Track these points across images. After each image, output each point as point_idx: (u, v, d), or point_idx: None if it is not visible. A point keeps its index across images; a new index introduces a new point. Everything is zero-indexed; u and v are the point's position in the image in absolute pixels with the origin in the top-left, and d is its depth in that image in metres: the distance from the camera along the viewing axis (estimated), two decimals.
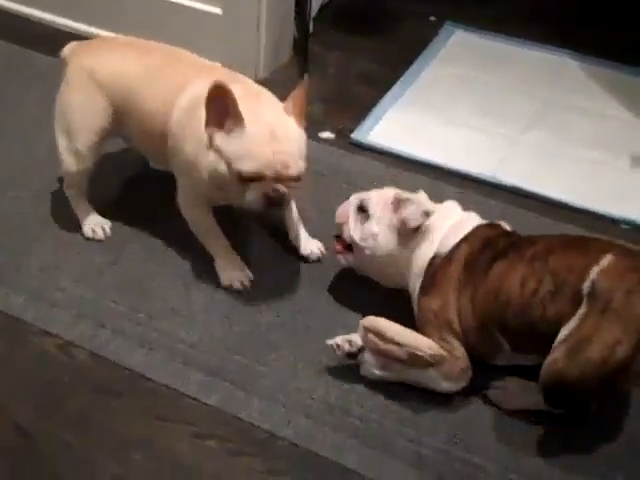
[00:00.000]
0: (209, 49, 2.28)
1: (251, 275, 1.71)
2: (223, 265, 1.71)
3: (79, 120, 1.71)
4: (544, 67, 2.44)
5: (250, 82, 1.68)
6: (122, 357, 1.56)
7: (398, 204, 1.56)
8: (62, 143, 1.74)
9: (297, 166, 1.54)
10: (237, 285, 1.69)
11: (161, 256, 1.76)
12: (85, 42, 1.81)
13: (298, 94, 1.59)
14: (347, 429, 1.46)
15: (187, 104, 1.61)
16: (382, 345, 1.48)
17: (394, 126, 2.18)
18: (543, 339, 1.40)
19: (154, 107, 1.65)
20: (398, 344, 1.47)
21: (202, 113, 1.54)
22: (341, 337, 1.53)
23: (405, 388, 1.52)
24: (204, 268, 1.73)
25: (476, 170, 2.04)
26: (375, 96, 2.26)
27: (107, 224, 1.81)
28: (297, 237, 1.78)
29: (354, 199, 1.62)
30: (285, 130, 1.54)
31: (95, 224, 1.80)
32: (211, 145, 1.54)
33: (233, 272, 1.70)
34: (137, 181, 1.95)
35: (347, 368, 1.55)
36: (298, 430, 1.45)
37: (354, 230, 1.59)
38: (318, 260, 1.76)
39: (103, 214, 1.83)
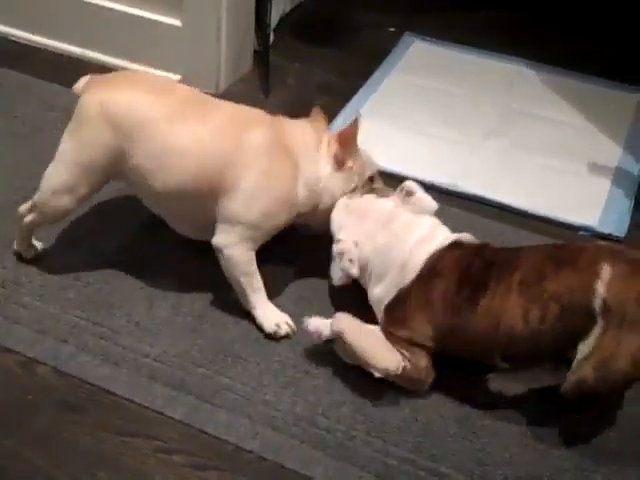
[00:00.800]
0: (169, 61, 2.29)
1: (288, 318, 1.65)
2: (265, 311, 1.65)
3: (88, 158, 1.62)
4: (501, 76, 2.48)
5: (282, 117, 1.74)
6: (86, 372, 1.54)
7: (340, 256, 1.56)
8: (61, 178, 1.63)
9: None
10: (286, 329, 1.63)
11: (124, 270, 1.75)
12: (101, 76, 1.70)
13: (317, 119, 1.78)
14: (314, 441, 1.46)
15: (262, 139, 1.61)
16: (347, 347, 1.51)
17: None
18: (547, 355, 1.46)
19: (191, 148, 1.59)
20: (361, 353, 1.50)
21: (292, 143, 1.65)
22: (313, 324, 1.55)
23: (372, 398, 1.53)
24: (167, 281, 1.73)
25: (438, 179, 2.06)
26: (336, 106, 2.27)
27: (39, 245, 1.77)
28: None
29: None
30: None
31: (28, 248, 1.75)
32: (339, 167, 1.69)
33: (278, 317, 1.64)
34: (97, 196, 1.92)
35: (313, 379, 1.55)
36: (264, 443, 1.45)
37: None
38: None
39: (64, 229, 1.82)
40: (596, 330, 1.38)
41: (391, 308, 1.53)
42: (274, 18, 2.54)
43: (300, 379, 1.56)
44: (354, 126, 1.67)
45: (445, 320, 1.48)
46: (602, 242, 1.51)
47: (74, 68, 2.29)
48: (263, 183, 1.60)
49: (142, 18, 2.32)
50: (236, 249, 1.62)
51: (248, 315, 1.66)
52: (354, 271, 1.54)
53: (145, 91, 1.63)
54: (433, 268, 1.50)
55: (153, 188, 1.62)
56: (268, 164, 1.61)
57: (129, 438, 1.45)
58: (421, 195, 1.60)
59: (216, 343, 1.62)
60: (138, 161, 1.60)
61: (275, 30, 2.53)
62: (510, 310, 1.43)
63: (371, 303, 1.59)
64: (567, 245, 1.55)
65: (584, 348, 1.39)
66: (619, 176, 2.11)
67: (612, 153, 2.19)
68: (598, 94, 2.42)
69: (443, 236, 1.56)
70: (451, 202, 1.98)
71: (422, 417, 1.50)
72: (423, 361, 1.50)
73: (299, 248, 1.80)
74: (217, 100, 1.70)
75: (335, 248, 1.57)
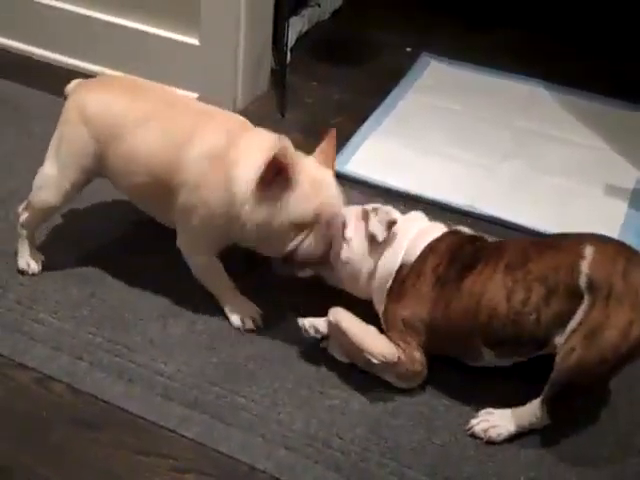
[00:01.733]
0: (186, 80, 2.30)
1: (260, 311, 1.70)
2: (232, 307, 1.70)
3: (67, 154, 1.70)
4: (517, 96, 2.48)
5: (262, 130, 1.66)
6: (100, 390, 1.55)
7: (366, 216, 1.60)
8: (49, 172, 1.71)
9: (340, 206, 1.60)
10: (250, 324, 1.68)
11: (139, 288, 1.75)
12: (89, 79, 1.80)
13: (327, 145, 1.65)
14: (327, 461, 1.45)
15: (206, 154, 1.58)
16: (343, 340, 1.53)
17: (372, 156, 2.19)
18: (533, 342, 1.45)
19: (150, 152, 1.63)
20: (357, 343, 1.52)
21: (233, 168, 1.56)
22: (309, 320, 1.58)
23: (386, 419, 1.52)
24: (182, 299, 1.73)
25: (454, 200, 2.05)
26: (353, 126, 2.28)
27: (40, 259, 1.78)
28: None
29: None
30: (328, 179, 1.60)
31: (29, 258, 1.77)
32: (261, 199, 1.54)
33: (244, 312, 1.69)
34: (114, 212, 1.94)
35: (326, 400, 1.55)
36: (278, 463, 1.45)
37: (344, 251, 1.61)
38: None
39: (79, 245, 1.84)
40: (583, 306, 1.40)
41: (393, 285, 1.57)
42: (292, 38, 2.55)
43: (315, 399, 1.55)
44: (282, 150, 1.51)
45: (433, 294, 1.52)
46: (589, 233, 1.52)
47: None
48: (195, 203, 1.60)
49: (160, 37, 2.34)
50: (191, 254, 1.68)
51: (264, 333, 1.67)
52: (382, 232, 1.56)
53: (121, 93, 1.70)
54: (430, 247, 1.57)
55: (124, 187, 1.71)
56: (200, 185, 1.58)
57: (143, 457, 1.45)
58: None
59: (230, 362, 1.61)
60: (111, 160, 1.67)
61: (292, 50, 2.55)
62: (493, 289, 1.47)
63: (375, 284, 1.60)
64: (551, 236, 1.61)
65: (572, 324, 1.41)
66: (636, 198, 2.10)
67: (629, 175, 2.19)
68: (614, 115, 2.41)
69: (440, 229, 1.63)
70: (467, 223, 1.97)
71: (437, 439, 1.50)
72: (417, 354, 1.53)
73: None
74: (190, 102, 1.76)
75: (368, 207, 1.60)
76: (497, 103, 2.44)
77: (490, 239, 1.65)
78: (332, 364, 1.60)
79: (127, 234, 1.88)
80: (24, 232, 1.77)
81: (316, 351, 1.62)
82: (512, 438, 1.49)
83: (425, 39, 2.71)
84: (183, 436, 1.48)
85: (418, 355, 1.53)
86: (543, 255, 1.47)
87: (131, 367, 1.59)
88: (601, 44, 2.73)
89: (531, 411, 1.47)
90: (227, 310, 1.70)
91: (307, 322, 1.59)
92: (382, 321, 1.59)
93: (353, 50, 2.67)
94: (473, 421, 1.50)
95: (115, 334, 1.65)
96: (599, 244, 1.45)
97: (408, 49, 2.68)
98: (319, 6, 2.79)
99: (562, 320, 1.42)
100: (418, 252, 1.57)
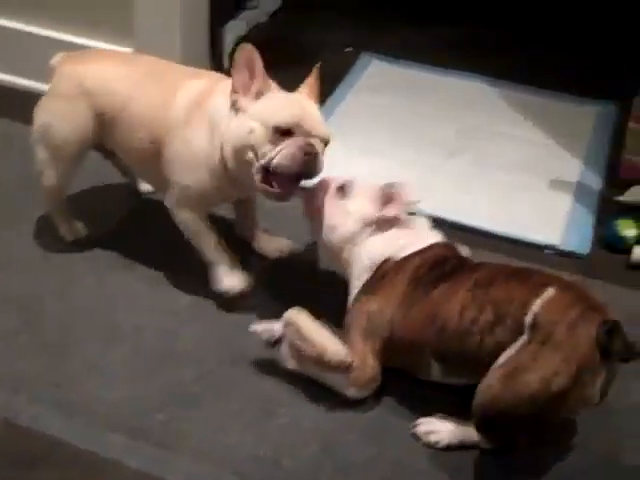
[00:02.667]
0: None
1: (251, 280, 1.70)
2: (219, 271, 1.68)
3: (64, 129, 1.69)
4: (460, 94, 2.46)
5: None
6: (39, 424, 1.48)
7: (388, 196, 1.56)
8: (43, 156, 1.72)
9: (325, 127, 1.58)
10: (235, 291, 1.68)
11: (78, 310, 1.70)
12: (75, 52, 1.80)
13: (311, 80, 1.64)
14: None
15: (187, 102, 1.62)
16: (297, 340, 1.50)
17: None
18: (477, 366, 1.40)
19: (147, 111, 1.64)
20: (310, 343, 1.48)
21: (209, 103, 1.59)
22: (264, 325, 1.56)
23: (338, 436, 1.48)
24: (123, 319, 1.68)
25: None
26: None
27: (83, 229, 1.86)
28: (254, 234, 1.84)
29: (338, 178, 1.63)
30: (310, 102, 1.61)
31: (71, 230, 1.84)
32: (236, 111, 1.55)
33: (232, 277, 1.68)
34: (44, 233, 1.88)
35: (276, 419, 1.51)
36: None
37: (328, 205, 1.60)
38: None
39: (9, 268, 1.79)
40: (519, 341, 1.35)
41: (372, 277, 1.54)
42: (229, 42, 2.50)
43: (262, 420, 1.51)
44: (246, 52, 1.55)
45: (404, 292, 1.49)
46: (568, 279, 1.48)
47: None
48: (180, 148, 1.62)
49: (94, 48, 2.27)
50: (179, 211, 1.67)
51: (209, 354, 1.62)
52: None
53: (115, 64, 1.72)
54: (419, 251, 1.54)
55: (125, 153, 1.73)
56: (184, 128, 1.61)
57: None
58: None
59: (175, 385, 1.56)
60: (112, 129, 1.68)
61: (231, 55, 2.49)
62: (452, 301, 1.44)
63: (356, 266, 1.57)
64: (532, 270, 1.53)
65: (502, 358, 1.36)
66: (580, 191, 2.10)
67: (573, 168, 2.18)
68: (557, 109, 2.41)
69: (439, 238, 1.60)
70: None
71: (390, 454, 1.46)
72: (370, 359, 1.50)
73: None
74: (172, 66, 1.76)
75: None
76: (440, 101, 2.42)
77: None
78: (280, 381, 1.56)
79: (57, 255, 1.83)
80: (53, 212, 1.83)
81: (263, 369, 1.58)
82: (463, 448, 1.46)
83: (365, 38, 2.68)
84: (128, 467, 1.43)
85: (371, 360, 1.50)
86: (508, 283, 1.42)
87: (71, 397, 1.53)
88: (542, 38, 2.72)
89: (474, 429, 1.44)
90: (213, 272, 1.68)
91: (261, 326, 1.56)
92: (347, 311, 1.55)
93: (293, 52, 2.62)
94: (418, 420, 1.48)
95: (53, 362, 1.59)
96: (563, 289, 1.39)
97: (348, 49, 2.65)
98: (257, 8, 2.74)
99: (501, 351, 1.37)
100: (408, 252, 1.54)
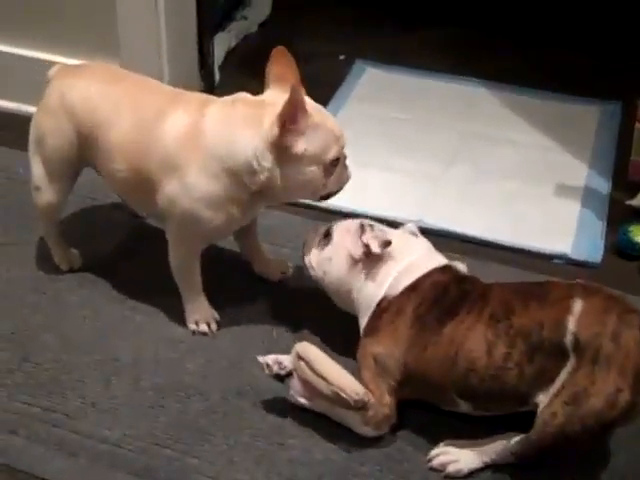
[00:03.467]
0: None
1: (218, 317, 1.67)
2: (193, 307, 1.66)
3: (52, 144, 1.65)
4: (457, 98, 2.40)
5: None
6: (39, 467, 1.42)
7: (362, 230, 1.50)
8: (38, 172, 1.69)
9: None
10: (204, 328, 1.65)
11: (75, 346, 1.63)
12: (71, 66, 1.77)
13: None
14: None
15: (177, 139, 1.51)
16: (310, 376, 1.42)
17: None
18: (515, 399, 1.36)
19: (127, 140, 1.57)
20: (325, 380, 1.41)
21: (207, 142, 1.49)
22: (272, 357, 1.51)
23: (352, 468, 1.42)
24: (123, 353, 1.61)
25: (401, 215, 1.95)
26: None
27: (78, 258, 1.80)
28: (259, 257, 1.77)
29: (323, 227, 1.58)
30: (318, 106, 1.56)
31: (67, 258, 1.79)
32: (282, 151, 1.47)
33: (201, 314, 1.66)
34: (29, 259, 1.83)
35: (286, 452, 1.44)
36: None
37: (313, 255, 1.57)
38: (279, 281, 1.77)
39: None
40: (568, 366, 1.31)
41: (371, 318, 1.48)
42: (219, 55, 2.45)
43: (273, 452, 1.45)
44: (295, 96, 1.43)
45: (410, 335, 1.42)
46: (582, 283, 1.41)
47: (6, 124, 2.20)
48: (182, 194, 1.52)
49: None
50: (176, 248, 1.61)
51: (214, 385, 1.56)
52: (376, 247, 1.48)
53: (98, 80, 1.65)
54: (414, 284, 1.46)
55: (107, 179, 1.65)
56: (181, 172, 1.51)
57: None
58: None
59: (180, 419, 1.50)
60: (93, 150, 1.62)
61: (221, 67, 2.44)
62: (474, 340, 1.37)
63: (357, 308, 1.52)
64: (542, 282, 1.47)
65: (556, 384, 1.31)
66: (588, 197, 2.03)
67: (579, 172, 2.11)
68: (559, 110, 2.34)
69: (440, 259, 1.53)
70: None
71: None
72: (386, 397, 1.43)
73: None
74: (161, 86, 1.69)
75: (365, 222, 1.52)
76: (437, 107, 2.36)
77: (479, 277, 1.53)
78: (290, 412, 1.50)
79: (51, 286, 1.76)
80: (48, 236, 1.78)
81: (271, 400, 1.52)
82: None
83: (357, 45, 2.62)
84: None
85: (387, 399, 1.43)
86: (528, 307, 1.35)
87: (72, 437, 1.47)
88: (539, 37, 2.66)
89: (497, 450, 1.39)
90: (186, 308, 1.66)
91: (270, 358, 1.50)
92: (357, 354, 1.49)
93: None
94: (433, 452, 1.42)
95: (52, 401, 1.52)
96: (588, 298, 1.33)
97: (341, 57, 2.59)
98: (246, 19, 2.68)
99: (545, 378, 1.32)
100: (401, 288, 1.47)
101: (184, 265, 1.63)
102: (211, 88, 2.31)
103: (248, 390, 1.54)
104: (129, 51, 2.16)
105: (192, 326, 1.65)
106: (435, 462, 1.41)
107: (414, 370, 1.42)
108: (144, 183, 1.56)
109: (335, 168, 1.54)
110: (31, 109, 2.21)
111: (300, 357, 1.44)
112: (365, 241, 1.48)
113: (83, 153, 1.65)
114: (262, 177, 1.49)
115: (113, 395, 1.54)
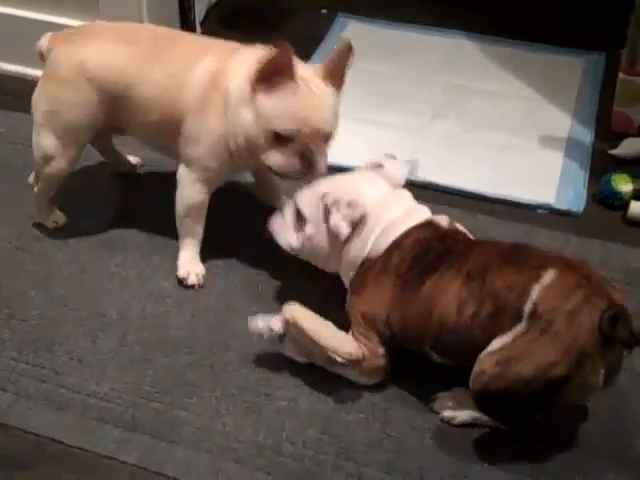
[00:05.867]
0: None
1: (204, 272, 1.68)
2: (186, 257, 1.67)
3: (73, 115, 1.63)
4: (441, 51, 2.39)
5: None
6: (28, 422, 1.43)
7: (327, 210, 1.47)
8: (51, 142, 1.65)
9: (329, 125, 1.54)
10: (193, 279, 1.66)
11: (62, 303, 1.63)
12: (65, 32, 1.71)
13: (334, 64, 1.57)
14: (280, 471, 1.36)
15: (201, 84, 1.56)
16: (301, 339, 1.43)
17: None
18: (475, 351, 1.34)
19: (156, 94, 1.59)
20: (316, 343, 1.42)
21: (224, 85, 1.54)
22: (262, 321, 1.48)
23: (338, 416, 1.44)
24: (109, 307, 1.62)
25: None
26: None
27: (62, 217, 1.81)
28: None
29: (290, 206, 1.55)
30: (319, 88, 1.53)
31: (54, 217, 1.79)
32: (251, 103, 1.51)
33: (193, 267, 1.66)
34: (15, 219, 1.82)
35: (273, 403, 1.46)
36: (228, 478, 1.36)
37: (292, 239, 1.54)
38: None
39: None
40: (515, 331, 1.29)
41: (356, 276, 1.48)
42: (200, 11, 2.41)
43: (260, 404, 1.46)
44: (281, 51, 1.47)
45: (393, 293, 1.43)
46: (569, 257, 1.41)
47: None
48: (198, 131, 1.58)
49: (59, 25, 2.18)
50: (188, 189, 1.63)
51: (200, 339, 1.56)
52: (345, 229, 1.45)
53: (115, 40, 1.63)
54: (397, 242, 1.45)
55: (136, 129, 1.68)
56: (200, 112, 1.57)
57: None
58: (390, 167, 1.56)
59: (167, 373, 1.51)
60: (122, 108, 1.62)
61: (202, 23, 2.41)
62: (446, 297, 1.37)
63: (342, 269, 1.52)
64: (526, 247, 1.43)
65: (496, 343, 1.30)
66: (571, 147, 2.04)
67: (562, 123, 2.11)
68: (542, 62, 2.33)
69: (423, 213, 1.51)
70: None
71: (393, 431, 1.42)
72: (379, 348, 1.45)
73: None
74: (179, 34, 1.74)
75: (328, 199, 1.46)
76: (421, 60, 2.35)
77: (464, 231, 1.53)
78: (275, 364, 1.51)
79: (36, 245, 1.76)
80: (40, 200, 1.76)
81: (258, 353, 1.53)
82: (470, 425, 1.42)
83: None
84: (123, 462, 1.38)
85: (381, 350, 1.45)
86: (503, 270, 1.34)
87: (60, 392, 1.48)
88: None
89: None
90: (180, 257, 1.67)
91: (260, 323, 1.48)
92: (346, 309, 1.50)
93: (266, 17, 2.53)
94: (437, 395, 1.44)
95: (40, 357, 1.53)
96: (564, 271, 1.31)
97: (323, 11, 2.56)
98: None
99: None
100: (384, 247, 1.45)
101: (191, 209, 1.64)
102: None
103: (234, 343, 1.55)
104: (108, 8, 2.13)
105: (183, 275, 1.65)
106: (435, 404, 1.44)
107: (398, 325, 1.43)
108: (172, 126, 1.59)
109: (283, 147, 1.51)
110: (7, 67, 2.24)
111: (289, 322, 1.44)
112: (333, 224, 1.45)
113: (107, 117, 1.65)
114: (238, 111, 1.53)
115: (100, 350, 1.55)
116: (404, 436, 1.41)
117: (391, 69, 2.31)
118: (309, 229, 1.51)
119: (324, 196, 1.48)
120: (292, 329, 1.44)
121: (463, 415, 1.42)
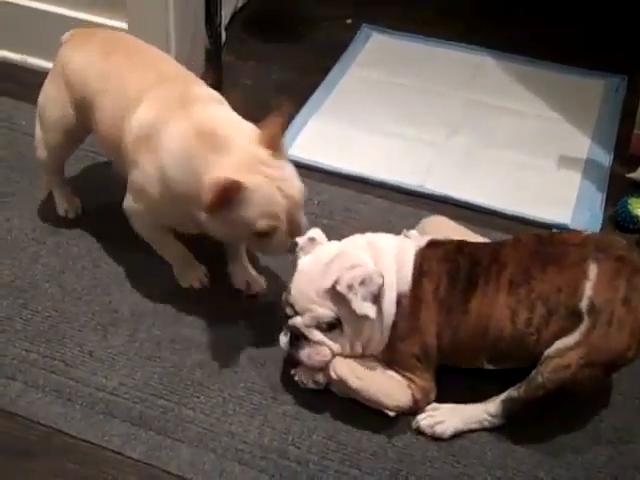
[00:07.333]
0: None
1: (207, 272, 1.68)
2: (180, 268, 1.67)
3: (52, 112, 1.69)
4: (463, 67, 2.39)
5: (208, 95, 1.60)
6: (36, 412, 1.44)
7: (338, 295, 1.37)
8: (38, 132, 1.73)
9: (298, 193, 1.43)
10: (197, 284, 1.66)
11: (75, 295, 1.64)
12: (85, 30, 1.77)
13: (272, 131, 1.44)
14: (284, 474, 1.37)
15: (140, 132, 1.49)
16: (349, 393, 1.44)
17: (316, 138, 2.09)
18: (531, 357, 1.41)
19: (108, 114, 1.59)
20: (368, 399, 1.43)
21: (160, 148, 1.46)
22: (304, 372, 1.46)
23: (344, 423, 1.44)
24: (121, 305, 1.63)
25: (404, 180, 1.97)
26: (294, 106, 2.17)
27: (78, 204, 1.83)
28: (238, 270, 1.67)
29: (313, 329, 1.42)
30: (276, 169, 1.41)
31: (68, 205, 1.82)
32: (214, 218, 1.41)
33: (191, 273, 1.67)
34: (39, 215, 1.83)
35: (280, 406, 1.46)
36: (232, 479, 1.36)
37: (337, 349, 1.43)
38: (254, 296, 1.66)
39: (6, 251, 1.73)
40: (582, 327, 1.37)
41: (396, 320, 1.42)
42: (225, 15, 2.43)
43: (267, 406, 1.47)
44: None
45: (439, 320, 1.42)
46: (586, 234, 1.48)
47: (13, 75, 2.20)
48: (135, 169, 1.52)
49: (88, 22, 2.20)
50: (132, 217, 1.60)
51: (211, 339, 1.57)
52: (372, 311, 1.38)
53: (96, 52, 1.64)
54: (420, 268, 1.43)
55: (98, 140, 1.67)
56: (136, 153, 1.51)
57: None
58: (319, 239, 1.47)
59: (176, 371, 1.52)
60: (89, 117, 1.62)
61: (227, 28, 2.43)
62: (499, 310, 1.40)
63: (363, 336, 1.43)
64: (551, 239, 1.47)
65: (569, 340, 1.37)
66: (590, 168, 2.04)
67: (581, 144, 2.11)
68: (564, 82, 2.34)
69: (411, 240, 1.49)
70: (417, 204, 1.90)
71: (398, 441, 1.42)
72: (428, 383, 1.45)
73: None
74: (155, 62, 1.62)
75: (341, 288, 1.36)
76: (443, 75, 2.35)
77: (473, 236, 1.57)
78: (284, 368, 1.51)
79: (52, 238, 1.77)
80: (51, 184, 1.81)
81: (267, 356, 1.53)
82: (475, 434, 1.43)
83: (364, 9, 2.60)
84: (129, 457, 1.38)
85: (429, 384, 1.45)
86: (546, 272, 1.40)
87: (69, 384, 1.49)
88: (547, 9, 2.64)
89: (484, 410, 1.43)
90: (174, 271, 1.67)
91: (304, 376, 1.46)
92: (394, 362, 1.45)
93: (291, 25, 2.56)
94: (419, 417, 1.44)
95: (50, 348, 1.54)
96: (601, 262, 1.38)
97: (348, 21, 2.57)
98: None
99: (558, 338, 1.39)
100: (410, 279, 1.42)
101: (147, 236, 1.62)
102: (217, 48, 2.30)
103: (244, 345, 1.56)
104: (136, 7, 2.15)
105: (185, 286, 1.67)
106: (422, 424, 1.43)
107: (449, 348, 1.43)
108: (117, 148, 1.56)
109: (266, 238, 1.42)
110: (36, 61, 2.26)
111: (336, 380, 1.43)
112: (360, 311, 1.36)
113: (80, 120, 1.66)
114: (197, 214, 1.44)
115: (110, 345, 1.56)
116: (409, 446, 1.41)
117: (411, 82, 2.32)
118: (346, 327, 1.41)
119: (335, 285, 1.37)
120: (339, 385, 1.44)
121: (452, 426, 1.43)
